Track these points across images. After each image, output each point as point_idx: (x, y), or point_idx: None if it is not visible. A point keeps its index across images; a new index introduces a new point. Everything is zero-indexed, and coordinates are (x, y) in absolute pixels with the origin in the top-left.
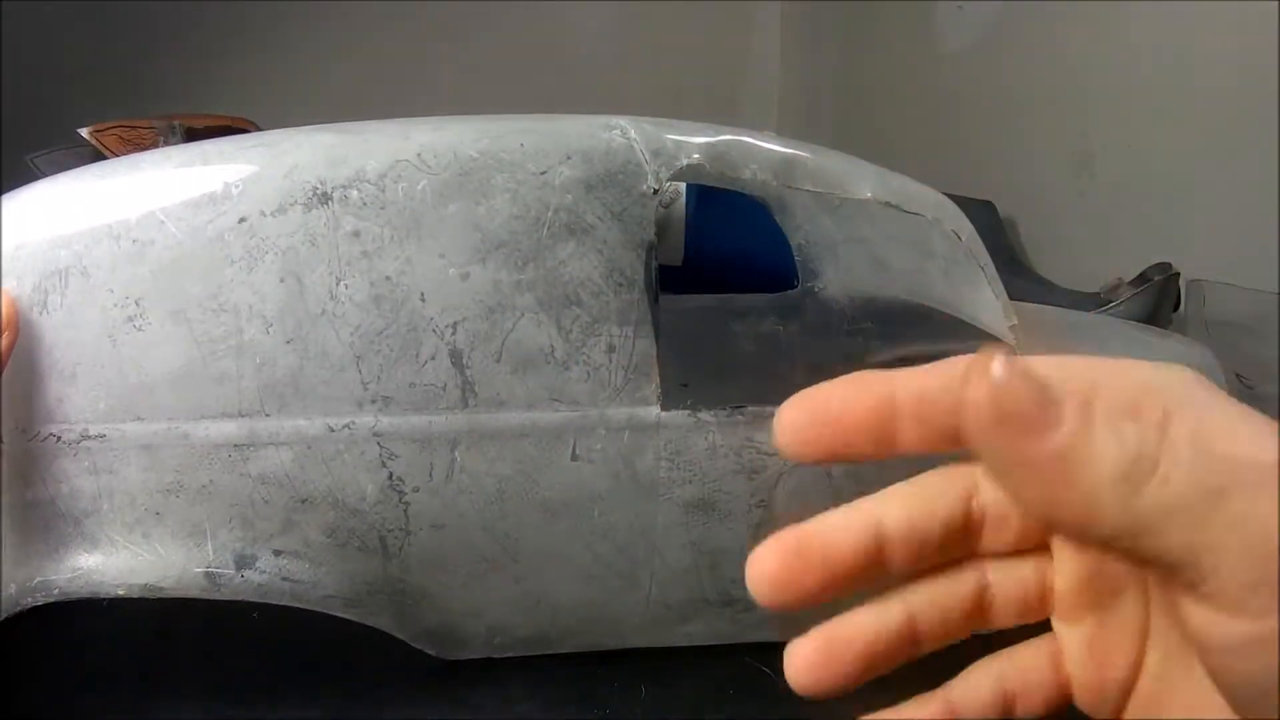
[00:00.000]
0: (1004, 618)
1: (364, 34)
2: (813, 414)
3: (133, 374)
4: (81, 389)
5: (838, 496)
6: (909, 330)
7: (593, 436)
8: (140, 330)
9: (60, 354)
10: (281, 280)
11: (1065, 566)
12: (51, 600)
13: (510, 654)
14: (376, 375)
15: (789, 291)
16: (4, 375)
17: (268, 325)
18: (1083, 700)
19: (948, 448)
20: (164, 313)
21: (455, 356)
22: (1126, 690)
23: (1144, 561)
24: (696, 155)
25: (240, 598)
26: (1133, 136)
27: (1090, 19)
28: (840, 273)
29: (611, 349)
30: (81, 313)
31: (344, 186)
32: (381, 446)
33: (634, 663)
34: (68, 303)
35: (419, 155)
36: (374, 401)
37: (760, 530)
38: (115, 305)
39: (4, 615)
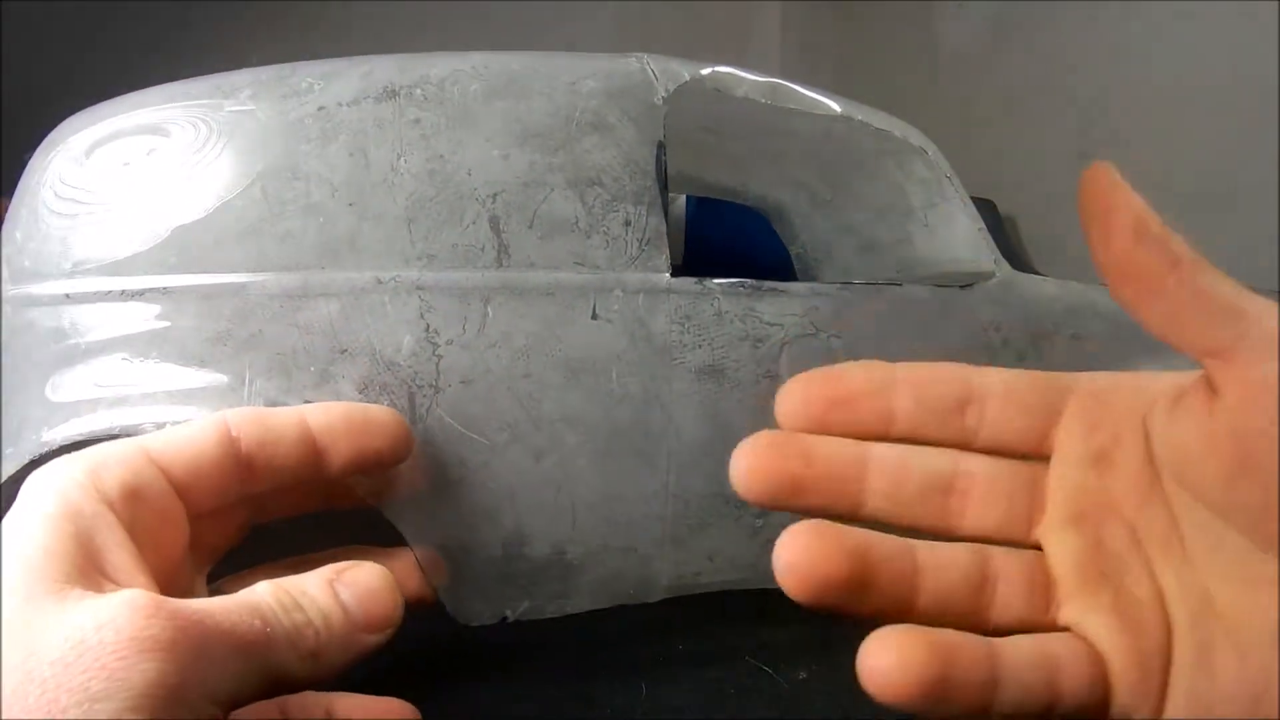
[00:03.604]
0: (1006, 594)
1: (362, 34)
2: (818, 384)
3: (203, 231)
4: (155, 244)
5: None
6: None
7: (611, 298)
8: (216, 193)
9: (136, 212)
10: (350, 155)
11: (1058, 551)
12: (90, 434)
13: (524, 592)
14: (424, 235)
15: None
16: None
17: (334, 190)
18: (1126, 680)
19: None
20: (241, 177)
21: (494, 222)
22: (1167, 657)
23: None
24: (698, 74)
25: None
26: (1132, 137)
27: (1091, 19)
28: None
29: (628, 223)
30: (163, 175)
31: (410, 86)
32: (422, 299)
33: (634, 663)
34: (150, 165)
35: (473, 67)
36: (420, 258)
37: (769, 402)
38: (196, 169)
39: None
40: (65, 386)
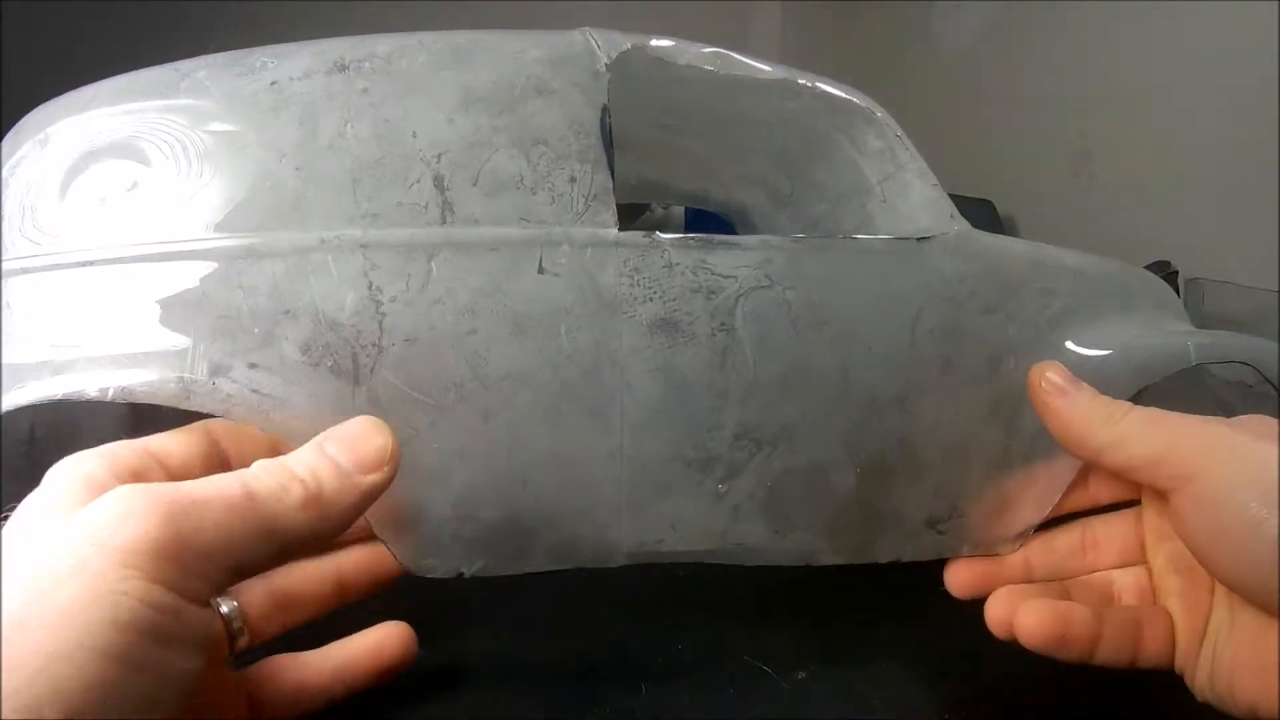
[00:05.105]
0: (1105, 557)
1: (361, 32)
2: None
3: (153, 200)
4: (107, 215)
5: (795, 322)
6: None
7: (558, 252)
8: (167, 164)
9: (91, 188)
10: (300, 123)
11: (1156, 552)
12: (37, 400)
13: (479, 551)
14: (369, 195)
15: None
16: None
17: (282, 156)
18: (1183, 640)
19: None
20: (193, 149)
21: (438, 180)
22: (1204, 626)
23: (1123, 470)
24: (641, 44)
25: (206, 409)
26: (1132, 136)
27: (1089, 19)
28: None
29: (573, 180)
30: (120, 155)
31: (359, 60)
32: (365, 257)
33: (634, 663)
34: (109, 150)
35: (420, 42)
36: (364, 217)
37: (727, 357)
38: (150, 145)
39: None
40: (18, 354)
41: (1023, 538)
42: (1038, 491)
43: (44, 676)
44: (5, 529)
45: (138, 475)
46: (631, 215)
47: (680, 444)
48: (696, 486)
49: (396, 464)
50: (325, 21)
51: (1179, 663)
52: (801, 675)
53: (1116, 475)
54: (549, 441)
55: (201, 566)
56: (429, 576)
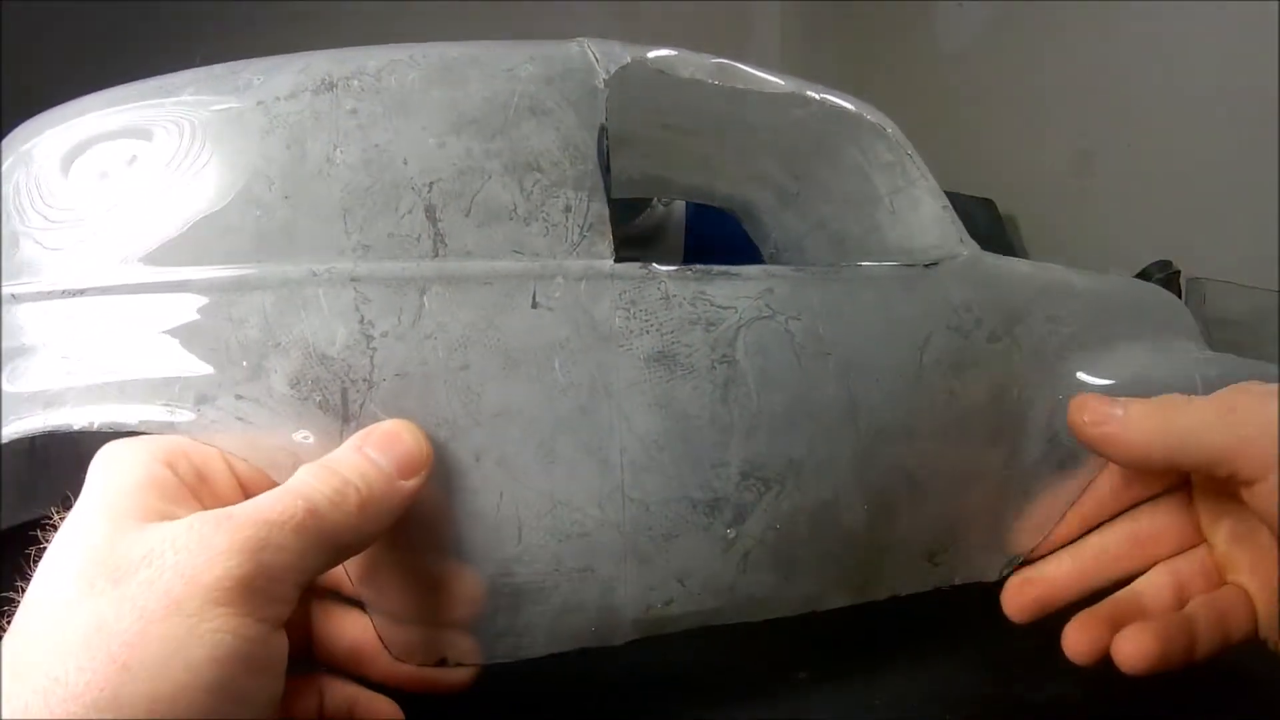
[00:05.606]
0: (1162, 548)
1: (364, 34)
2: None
3: (141, 229)
4: (96, 243)
5: (799, 352)
6: None
7: (552, 284)
8: (155, 191)
9: (77, 215)
10: (287, 147)
11: (1218, 544)
12: (31, 433)
13: (467, 627)
14: (360, 226)
15: None
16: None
17: (270, 183)
18: (1264, 610)
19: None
20: (180, 175)
21: (429, 211)
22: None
23: (1201, 468)
24: (641, 56)
25: (189, 434)
26: (1133, 136)
27: (1090, 19)
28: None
29: (568, 209)
30: (104, 178)
31: (347, 78)
32: (357, 291)
33: (633, 663)
34: (91, 170)
35: (410, 56)
36: (355, 249)
37: (729, 390)
38: (135, 170)
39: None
40: (8, 386)
41: (1014, 564)
42: (1036, 519)
43: (151, 717)
44: (62, 530)
45: (203, 476)
46: (632, 210)
47: (685, 483)
48: (704, 531)
49: (430, 467)
50: (324, 20)
51: (1262, 631)
52: (802, 675)
53: (1193, 472)
54: (544, 482)
55: (280, 592)
56: (410, 663)
